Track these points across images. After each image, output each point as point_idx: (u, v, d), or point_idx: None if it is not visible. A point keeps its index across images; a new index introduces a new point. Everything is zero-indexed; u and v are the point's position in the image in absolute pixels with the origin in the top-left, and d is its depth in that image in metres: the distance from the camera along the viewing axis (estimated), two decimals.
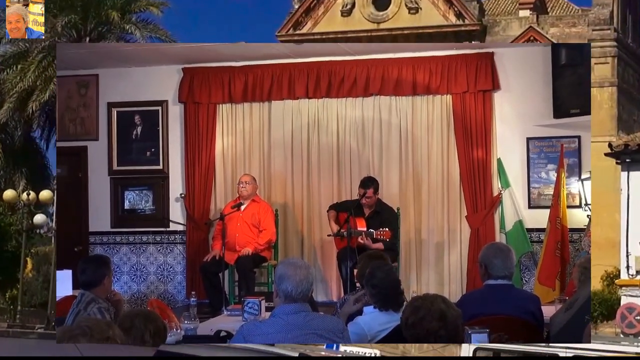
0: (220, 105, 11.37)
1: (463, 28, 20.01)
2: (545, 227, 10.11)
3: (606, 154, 11.57)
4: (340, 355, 5.40)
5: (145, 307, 9.59)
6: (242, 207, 10.05)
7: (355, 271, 6.65)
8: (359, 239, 9.33)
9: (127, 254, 11.72)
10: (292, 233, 11.16)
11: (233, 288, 10.22)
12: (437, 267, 10.83)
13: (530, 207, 10.66)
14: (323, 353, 5.12)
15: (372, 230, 9.33)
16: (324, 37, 20.88)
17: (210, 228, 11.00)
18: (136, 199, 11.73)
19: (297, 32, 21.31)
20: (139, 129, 11.68)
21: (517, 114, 10.68)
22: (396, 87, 10.89)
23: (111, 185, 11.75)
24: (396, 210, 10.19)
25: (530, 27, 19.47)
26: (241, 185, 10.16)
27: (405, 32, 20.14)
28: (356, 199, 9.87)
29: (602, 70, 18.42)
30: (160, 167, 11.59)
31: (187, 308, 8.07)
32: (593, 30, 19.09)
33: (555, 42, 18.32)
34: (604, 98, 18.20)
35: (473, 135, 10.61)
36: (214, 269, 9.84)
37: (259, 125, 11.32)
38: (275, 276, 4.47)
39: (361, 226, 9.51)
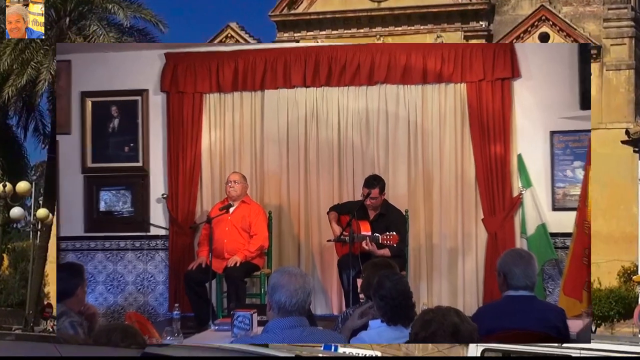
0: (207, 95, 11.36)
1: (470, 7, 20.47)
2: (572, 231, 10.10)
3: (623, 142, 11.70)
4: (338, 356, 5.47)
5: (123, 321, 9.58)
6: (231, 210, 10.05)
7: (359, 281, 6.65)
8: (363, 245, 9.33)
9: (102, 261, 11.71)
10: (288, 238, 11.16)
11: (221, 300, 10.21)
12: (450, 276, 10.83)
13: (554, 209, 10.67)
14: (321, 354, 5.17)
15: (377, 234, 9.33)
16: (320, 17, 21.29)
17: (195, 232, 10.99)
18: (113, 200, 11.72)
19: (292, 11, 21.61)
20: (116, 121, 11.67)
21: (540, 104, 10.67)
22: (404, 75, 10.89)
23: (85, 185, 11.74)
24: (404, 213, 10.19)
25: (542, 6, 19.82)
26: (229, 184, 10.16)
27: (408, 11, 20.51)
28: (359, 200, 9.86)
29: (619, 51, 19.01)
30: (140, 164, 11.58)
31: (169, 322, 8.07)
32: (609, 9, 19.56)
33: (569, 21, 19.31)
34: (620, 81, 18.69)
35: (490, 128, 10.61)
36: (200, 278, 9.83)
37: (250, 118, 11.32)
38: (268, 286, 4.46)
39: (365, 230, 9.50)
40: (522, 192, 10.60)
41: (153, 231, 11.46)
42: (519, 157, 10.66)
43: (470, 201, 10.79)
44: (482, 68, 10.65)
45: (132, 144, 11.60)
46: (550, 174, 10.70)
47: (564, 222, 10.42)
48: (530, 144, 10.69)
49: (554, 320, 5.38)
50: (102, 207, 11.75)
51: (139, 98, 11.55)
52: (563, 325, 5.41)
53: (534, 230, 10.57)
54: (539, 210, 10.59)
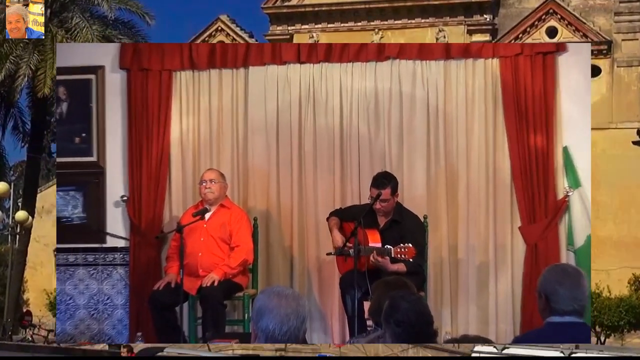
0: (178, 72, 11.36)
1: None
2: None
3: (634, 142, 12.13)
4: None
5: None
6: (207, 215, 10.05)
7: (366, 304, 6.65)
8: (371, 259, 9.33)
9: None
10: (277, 251, 11.16)
11: (195, 327, 10.22)
12: (480, 299, 10.83)
13: None
14: None
15: (389, 246, 9.33)
16: (316, 9, 23.40)
17: (163, 244, 10.99)
18: (60, 204, 11.71)
19: (286, 3, 23.73)
20: (65, 106, 11.66)
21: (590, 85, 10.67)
22: (422, 49, 10.89)
23: None
24: (422, 219, 10.20)
25: None
26: (205, 184, 10.16)
27: (408, 3, 22.44)
28: (367, 203, 9.87)
29: (630, 47, 20.57)
30: (94, 158, 11.58)
31: None
32: (620, 2, 21.14)
33: (578, 15, 21.11)
34: (632, 79, 19.97)
35: (529, 114, 10.62)
36: (168, 300, 9.84)
37: (231, 101, 11.32)
38: (253, 310, 4.45)
39: (374, 241, 9.51)
40: (569, 194, 10.60)
41: (110, 242, 11.47)
42: (565, 150, 10.66)
43: (505, 205, 10.79)
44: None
45: (84, 134, 11.58)
46: None
47: None
48: (578, 134, 10.69)
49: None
50: None
51: (92, 77, 11.54)
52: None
53: (584, 241, 10.58)
54: (589, 216, 10.58)
